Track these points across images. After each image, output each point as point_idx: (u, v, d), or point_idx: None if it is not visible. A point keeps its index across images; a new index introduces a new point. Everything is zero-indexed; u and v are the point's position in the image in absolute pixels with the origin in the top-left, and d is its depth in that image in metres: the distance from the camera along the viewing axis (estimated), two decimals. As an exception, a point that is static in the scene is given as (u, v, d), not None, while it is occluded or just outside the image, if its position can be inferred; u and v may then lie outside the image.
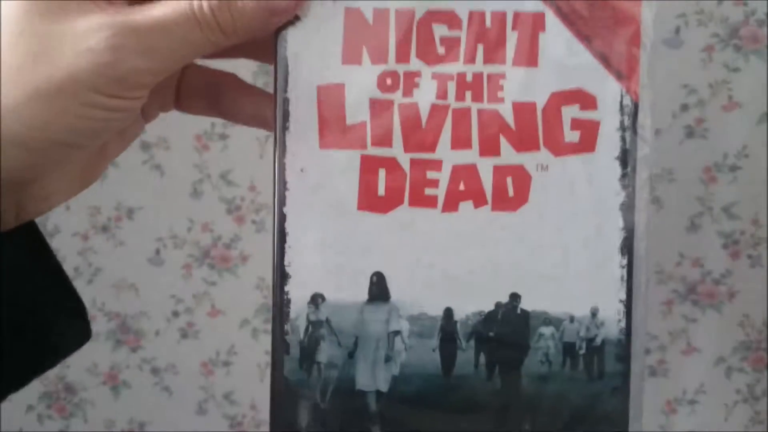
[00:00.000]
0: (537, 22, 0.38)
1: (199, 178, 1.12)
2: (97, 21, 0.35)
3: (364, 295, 0.39)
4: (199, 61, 0.44)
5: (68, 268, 1.15)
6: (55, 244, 1.14)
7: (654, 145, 1.03)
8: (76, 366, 1.17)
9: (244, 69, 0.47)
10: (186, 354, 1.17)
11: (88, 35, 0.35)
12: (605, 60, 0.38)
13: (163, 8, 0.36)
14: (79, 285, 1.13)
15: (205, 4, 0.36)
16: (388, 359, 0.39)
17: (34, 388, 1.18)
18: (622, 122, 0.38)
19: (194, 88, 0.46)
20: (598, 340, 0.39)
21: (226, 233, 1.14)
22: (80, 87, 0.35)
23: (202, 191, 1.13)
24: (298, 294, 0.39)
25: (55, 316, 0.41)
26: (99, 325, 1.16)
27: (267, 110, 0.42)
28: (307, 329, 0.39)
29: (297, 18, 0.38)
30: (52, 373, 1.16)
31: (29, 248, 0.41)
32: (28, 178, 0.38)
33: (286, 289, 0.39)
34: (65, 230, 1.14)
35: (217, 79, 0.46)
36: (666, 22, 1.05)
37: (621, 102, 0.38)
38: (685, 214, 1.09)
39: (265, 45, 0.40)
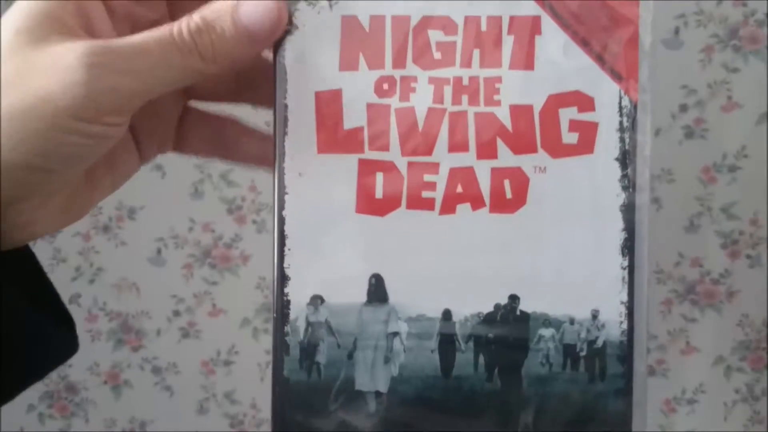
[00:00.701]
0: (533, 26, 0.38)
1: (199, 178, 1.13)
2: (76, 44, 0.35)
3: (362, 297, 0.39)
4: (200, 106, 0.44)
5: (69, 267, 1.15)
6: (57, 244, 1.14)
7: (654, 145, 1.03)
8: (77, 365, 1.18)
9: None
10: (187, 353, 1.17)
11: (65, 56, 0.35)
12: (603, 62, 0.38)
13: (144, 34, 0.36)
14: (81, 285, 1.14)
15: (185, 29, 0.36)
16: (387, 360, 0.39)
17: (35, 387, 1.18)
18: (621, 123, 0.39)
19: (194, 132, 0.46)
20: (600, 342, 0.39)
21: (227, 233, 1.14)
22: (53, 109, 0.35)
23: (203, 191, 1.13)
24: (297, 296, 0.39)
25: (41, 331, 0.41)
26: (100, 324, 1.17)
27: (269, 150, 0.43)
28: (306, 330, 0.39)
29: (295, 26, 0.38)
30: (53, 373, 1.17)
31: (17, 265, 0.41)
32: (1, 200, 0.37)
33: (286, 291, 0.39)
34: (66, 230, 1.14)
35: (218, 122, 0.46)
36: (665, 22, 1.05)
37: (620, 103, 0.38)
38: (685, 214, 1.09)
39: (264, 90, 0.41)
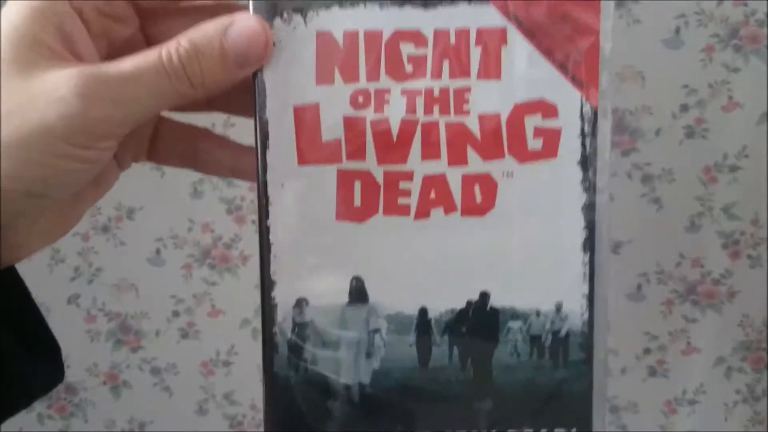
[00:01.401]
0: (499, 37, 0.40)
1: (199, 178, 1.13)
2: (67, 72, 0.36)
3: (345, 298, 0.41)
4: (175, 115, 0.45)
5: (68, 268, 1.16)
6: (56, 244, 1.13)
7: (654, 145, 1.03)
8: (76, 366, 1.18)
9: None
10: (186, 354, 1.18)
11: (58, 86, 0.35)
12: (565, 70, 0.40)
13: (134, 60, 0.37)
14: (80, 285, 1.15)
15: (174, 56, 0.37)
16: (369, 355, 0.42)
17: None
18: (582, 129, 0.41)
19: (168, 142, 0.47)
20: (563, 332, 0.42)
21: (227, 233, 1.15)
22: (50, 137, 0.35)
23: (203, 191, 1.13)
24: (283, 299, 0.41)
25: (26, 362, 0.41)
26: (99, 325, 1.17)
27: (242, 161, 0.44)
28: (293, 330, 0.41)
29: (272, 44, 0.40)
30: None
31: (4, 293, 0.41)
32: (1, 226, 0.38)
33: (273, 294, 0.41)
34: (66, 230, 1.14)
35: (192, 133, 0.47)
36: (666, 22, 1.05)
37: (581, 110, 0.40)
38: (685, 214, 1.09)
39: (239, 99, 0.42)
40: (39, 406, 1.19)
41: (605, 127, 0.40)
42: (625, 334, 1.12)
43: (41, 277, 1.14)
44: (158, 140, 0.46)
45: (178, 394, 1.19)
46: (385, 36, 0.40)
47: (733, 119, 1.06)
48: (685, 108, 1.06)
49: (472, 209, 0.41)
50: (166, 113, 0.45)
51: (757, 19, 1.03)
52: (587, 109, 0.40)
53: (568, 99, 0.40)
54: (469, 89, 0.40)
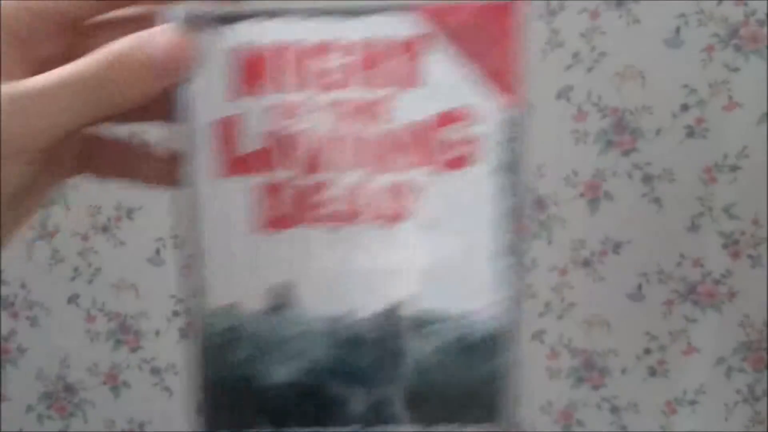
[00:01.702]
0: (423, 45, 0.41)
1: (199, 178, 1.13)
2: None
3: (272, 303, 0.42)
4: (105, 129, 0.45)
5: (68, 268, 1.16)
6: (55, 244, 1.14)
7: (654, 145, 1.03)
8: (76, 366, 1.18)
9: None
10: (186, 354, 1.17)
11: None
12: (488, 77, 0.41)
13: (54, 74, 0.37)
14: (79, 285, 1.15)
15: (93, 68, 0.37)
16: (298, 357, 0.43)
17: (34, 388, 1.18)
18: (505, 135, 0.41)
19: (98, 156, 0.46)
20: (484, 333, 0.43)
21: (226, 233, 1.14)
22: None
23: (202, 191, 1.13)
24: (214, 304, 0.42)
25: None
26: (99, 325, 1.17)
27: (172, 170, 0.43)
28: (223, 334, 0.42)
29: (196, 56, 0.40)
30: (52, 373, 1.17)
31: None
32: None
33: (203, 300, 0.42)
34: (65, 230, 1.14)
35: (119, 146, 0.47)
36: (666, 22, 1.05)
37: (503, 116, 0.41)
38: (685, 214, 1.09)
39: (163, 111, 0.42)
40: (38, 406, 1.19)
41: (527, 132, 0.41)
42: (625, 334, 1.13)
43: (41, 277, 1.14)
44: (88, 155, 0.46)
45: (177, 394, 1.19)
46: (311, 45, 0.41)
47: (733, 119, 1.06)
48: (685, 108, 1.07)
49: (397, 216, 0.42)
50: (94, 128, 0.45)
51: (757, 19, 1.04)
52: (510, 114, 0.41)
53: (490, 105, 0.41)
54: (393, 98, 0.41)
